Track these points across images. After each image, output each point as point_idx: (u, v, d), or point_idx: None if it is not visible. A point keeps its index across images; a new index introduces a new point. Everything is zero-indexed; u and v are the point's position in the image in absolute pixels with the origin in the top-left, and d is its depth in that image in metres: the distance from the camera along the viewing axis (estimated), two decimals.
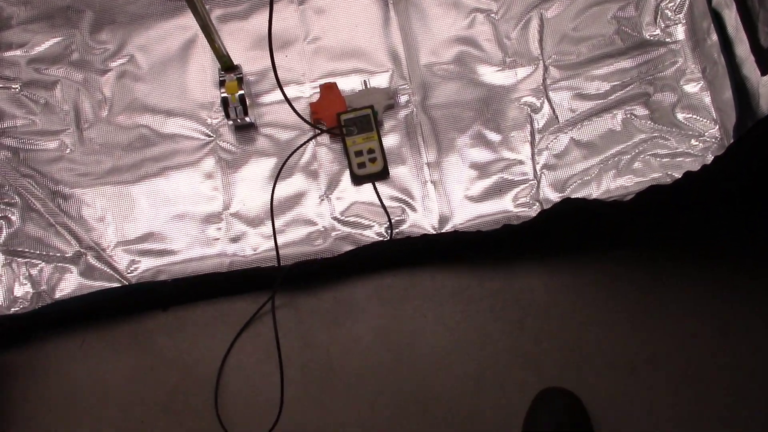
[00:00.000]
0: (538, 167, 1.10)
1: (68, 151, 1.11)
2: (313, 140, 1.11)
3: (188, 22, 1.14)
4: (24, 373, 1.03)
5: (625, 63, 1.14)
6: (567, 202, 0.98)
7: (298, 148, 1.09)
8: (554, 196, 1.09)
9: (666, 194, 0.94)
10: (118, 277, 1.06)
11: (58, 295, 1.05)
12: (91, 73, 1.14)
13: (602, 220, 1.03)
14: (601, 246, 1.06)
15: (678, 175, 1.08)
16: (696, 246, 1.06)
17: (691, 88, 1.12)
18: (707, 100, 1.12)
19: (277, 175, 1.07)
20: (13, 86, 1.13)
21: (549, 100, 1.13)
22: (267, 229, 1.08)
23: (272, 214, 1.05)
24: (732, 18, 1.07)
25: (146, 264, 1.06)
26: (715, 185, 0.96)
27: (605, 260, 1.06)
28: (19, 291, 1.06)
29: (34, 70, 1.13)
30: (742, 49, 1.06)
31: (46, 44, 1.15)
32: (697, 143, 1.10)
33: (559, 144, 1.11)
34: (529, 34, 1.15)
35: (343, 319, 1.05)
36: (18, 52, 1.14)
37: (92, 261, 1.06)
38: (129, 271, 1.06)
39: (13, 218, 1.08)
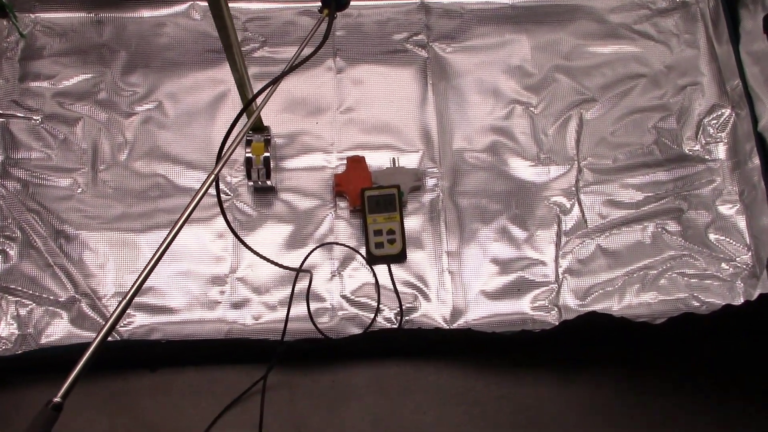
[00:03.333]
0: (560, 270, 1.06)
1: (79, 191, 1.07)
2: (333, 211, 1.07)
3: (222, 75, 1.12)
4: None
5: (662, 175, 1.11)
6: (592, 315, 0.93)
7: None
8: (574, 304, 1.04)
9: (701, 324, 0.89)
10: None
11: (44, 340, 1.00)
12: (115, 115, 1.11)
13: (626, 338, 0.98)
14: (620, 364, 1.00)
15: (704, 297, 1.04)
16: (721, 380, 1.00)
17: (726, 209, 1.09)
18: (742, 224, 1.08)
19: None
20: (35, 117, 1.10)
21: (580, 203, 1.09)
22: (271, 298, 1.03)
23: (293, 289, 1.01)
24: None
25: (141, 320, 1.01)
26: (756, 323, 0.91)
27: (621, 379, 1.00)
28: (4, 330, 1.00)
29: (58, 103, 1.11)
30: None
31: (74, 79, 1.12)
32: (727, 267, 1.06)
33: (585, 249, 1.07)
34: (566, 132, 1.12)
35: (338, 406, 0.99)
36: (45, 84, 1.11)
37: (85, 309, 1.01)
38: (122, 324, 1.01)
39: (11, 253, 1.03)
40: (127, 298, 0.61)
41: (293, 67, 0.80)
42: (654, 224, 1.08)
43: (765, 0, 1.08)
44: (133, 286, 0.61)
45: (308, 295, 1.02)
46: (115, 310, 0.60)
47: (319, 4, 0.79)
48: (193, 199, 0.68)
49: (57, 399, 0.57)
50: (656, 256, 1.07)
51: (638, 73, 1.16)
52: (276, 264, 0.98)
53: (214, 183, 0.71)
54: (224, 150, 0.71)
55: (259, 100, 0.77)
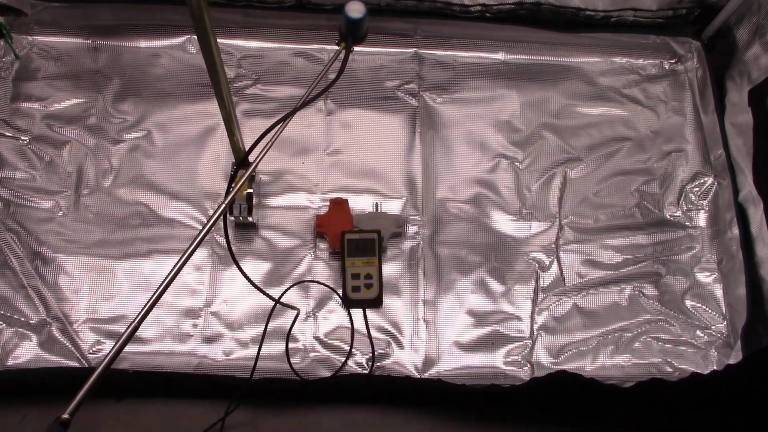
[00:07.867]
0: (535, 327, 1.05)
1: (60, 213, 1.06)
2: (313, 252, 1.07)
3: (212, 109, 1.12)
4: None
5: (642, 238, 1.11)
6: (562, 374, 0.93)
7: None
8: (547, 361, 1.04)
9: (668, 390, 0.88)
10: (78, 355, 0.99)
11: (11, 362, 0.99)
12: (103, 141, 1.11)
13: (595, 400, 0.97)
14: (588, 425, 0.99)
15: (678, 364, 1.04)
16: None
17: (704, 277, 1.10)
18: (719, 292, 1.09)
19: None
20: (23, 138, 1.10)
21: (558, 261, 1.09)
22: (244, 334, 1.02)
23: (266, 326, 1.00)
24: (758, 216, 1.05)
25: (111, 347, 1.00)
26: (723, 393, 0.90)
27: None
28: None
29: (47, 125, 1.11)
30: (764, 249, 1.04)
31: (66, 103, 1.13)
32: (702, 335, 1.06)
33: (561, 307, 1.07)
34: (550, 189, 1.13)
35: None
36: (36, 105, 1.12)
37: (56, 333, 1.00)
38: (91, 351, 1.00)
39: None
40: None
41: (306, 101, 0.84)
42: (631, 287, 1.09)
43: (751, 74, 1.10)
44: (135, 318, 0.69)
45: (289, 333, 1.01)
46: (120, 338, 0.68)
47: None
48: (201, 233, 0.75)
49: (65, 416, 0.60)
50: (632, 318, 1.07)
51: (624, 136, 1.17)
52: (267, 294, 0.97)
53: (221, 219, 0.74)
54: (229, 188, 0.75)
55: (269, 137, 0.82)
